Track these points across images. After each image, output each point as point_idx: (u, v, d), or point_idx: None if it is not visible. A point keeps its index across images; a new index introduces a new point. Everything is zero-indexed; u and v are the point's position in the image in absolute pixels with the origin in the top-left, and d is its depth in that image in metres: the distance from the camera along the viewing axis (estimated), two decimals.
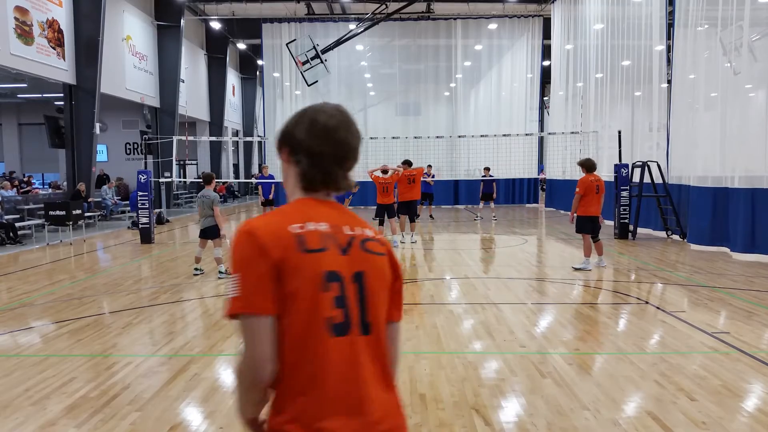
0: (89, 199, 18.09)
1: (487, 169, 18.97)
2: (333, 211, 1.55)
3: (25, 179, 23.84)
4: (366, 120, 26.81)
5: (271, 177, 18.01)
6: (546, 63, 25.70)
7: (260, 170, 20.36)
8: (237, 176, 36.46)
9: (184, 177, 28.71)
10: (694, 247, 11.79)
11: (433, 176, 19.20)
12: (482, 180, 18.73)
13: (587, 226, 9.48)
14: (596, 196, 9.44)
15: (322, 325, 1.42)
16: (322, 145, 1.51)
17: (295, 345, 1.43)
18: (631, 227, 13.52)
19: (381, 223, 12.77)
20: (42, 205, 14.87)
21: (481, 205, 18.69)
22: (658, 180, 13.44)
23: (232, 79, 34.29)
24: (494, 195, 18.28)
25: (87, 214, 16.89)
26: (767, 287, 8.11)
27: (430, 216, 18.86)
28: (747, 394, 4.35)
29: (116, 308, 7.33)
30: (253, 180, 29.53)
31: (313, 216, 1.50)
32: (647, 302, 7.38)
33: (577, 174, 11.09)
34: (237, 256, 1.44)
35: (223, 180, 29.39)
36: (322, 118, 1.52)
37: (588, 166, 9.54)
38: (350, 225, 1.54)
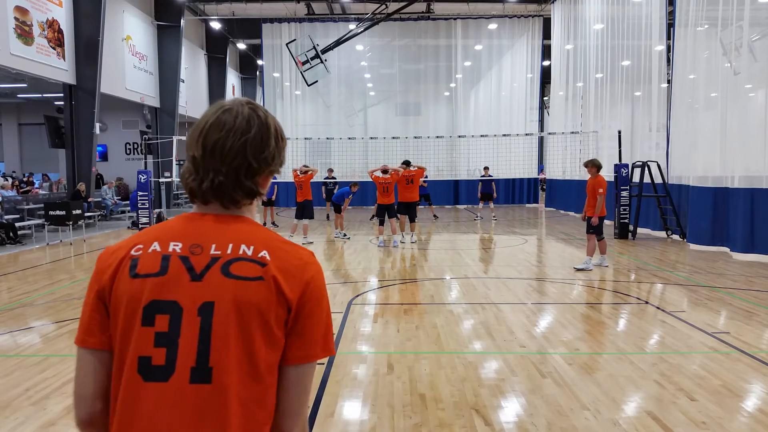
0: (89, 199, 18.10)
1: (486, 168, 18.97)
2: (210, 226, 1.27)
3: (25, 179, 23.84)
4: (366, 120, 26.83)
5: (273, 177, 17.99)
6: (546, 63, 25.69)
7: None
8: None
9: None
10: (693, 247, 11.79)
11: (425, 176, 19.28)
12: (481, 180, 18.75)
13: (600, 227, 9.55)
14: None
15: (135, 366, 1.16)
16: (193, 149, 1.27)
17: (113, 389, 1.21)
18: (631, 227, 13.52)
19: (381, 223, 12.79)
20: (42, 205, 14.87)
21: (481, 205, 18.69)
22: (658, 180, 13.45)
23: (232, 79, 34.28)
24: (494, 195, 18.28)
25: (87, 214, 16.89)
26: (767, 287, 8.12)
27: (434, 216, 18.89)
28: (747, 394, 4.34)
29: None
30: None
31: (176, 234, 1.26)
32: (647, 302, 7.38)
33: (578, 174, 11.10)
34: None
35: None
36: (201, 119, 1.31)
37: (600, 166, 9.63)
38: (221, 243, 1.24)
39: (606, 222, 15.00)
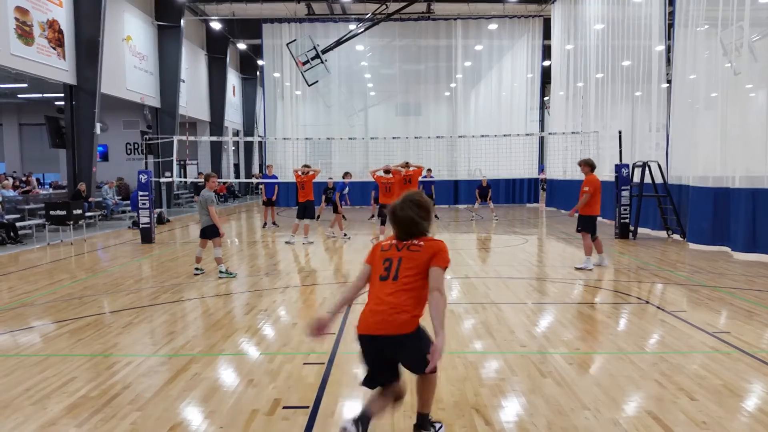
0: (90, 199, 18.10)
1: (483, 178, 19.09)
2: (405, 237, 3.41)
3: (25, 179, 23.83)
4: (366, 120, 26.84)
5: (275, 177, 17.94)
6: (546, 63, 25.70)
7: (261, 170, 20.30)
8: (237, 176, 36.48)
9: (185, 177, 28.72)
10: (694, 246, 11.79)
11: (430, 177, 19.37)
12: (478, 186, 18.90)
13: (591, 226, 9.55)
14: (599, 195, 9.57)
15: (378, 276, 3.31)
16: (393, 222, 3.40)
17: (370, 286, 3.39)
18: (631, 227, 13.52)
19: (383, 223, 12.78)
20: (42, 205, 14.87)
21: (477, 204, 18.85)
22: (658, 180, 13.45)
23: (233, 79, 34.30)
24: (489, 197, 18.52)
25: (87, 214, 16.90)
26: None
27: (435, 216, 18.90)
28: (747, 394, 4.34)
29: (117, 308, 7.34)
30: (254, 180, 29.55)
31: (393, 239, 3.43)
32: (648, 302, 7.38)
33: (579, 174, 11.10)
34: None
35: (223, 180, 29.42)
36: (393, 204, 3.45)
37: (593, 165, 9.69)
38: (407, 241, 3.35)
39: (607, 222, 15.05)
